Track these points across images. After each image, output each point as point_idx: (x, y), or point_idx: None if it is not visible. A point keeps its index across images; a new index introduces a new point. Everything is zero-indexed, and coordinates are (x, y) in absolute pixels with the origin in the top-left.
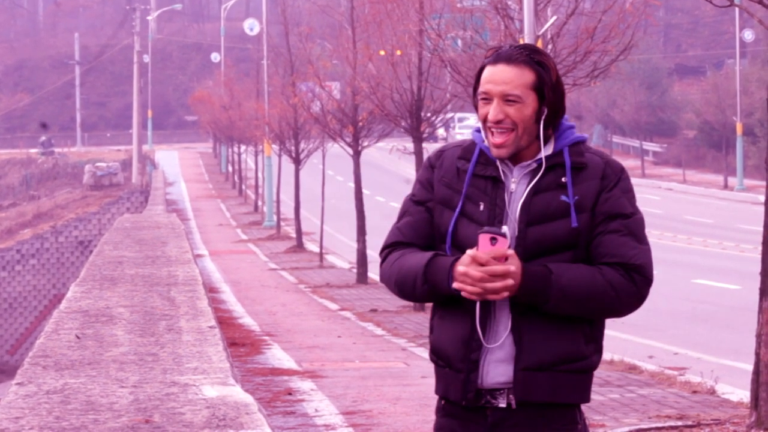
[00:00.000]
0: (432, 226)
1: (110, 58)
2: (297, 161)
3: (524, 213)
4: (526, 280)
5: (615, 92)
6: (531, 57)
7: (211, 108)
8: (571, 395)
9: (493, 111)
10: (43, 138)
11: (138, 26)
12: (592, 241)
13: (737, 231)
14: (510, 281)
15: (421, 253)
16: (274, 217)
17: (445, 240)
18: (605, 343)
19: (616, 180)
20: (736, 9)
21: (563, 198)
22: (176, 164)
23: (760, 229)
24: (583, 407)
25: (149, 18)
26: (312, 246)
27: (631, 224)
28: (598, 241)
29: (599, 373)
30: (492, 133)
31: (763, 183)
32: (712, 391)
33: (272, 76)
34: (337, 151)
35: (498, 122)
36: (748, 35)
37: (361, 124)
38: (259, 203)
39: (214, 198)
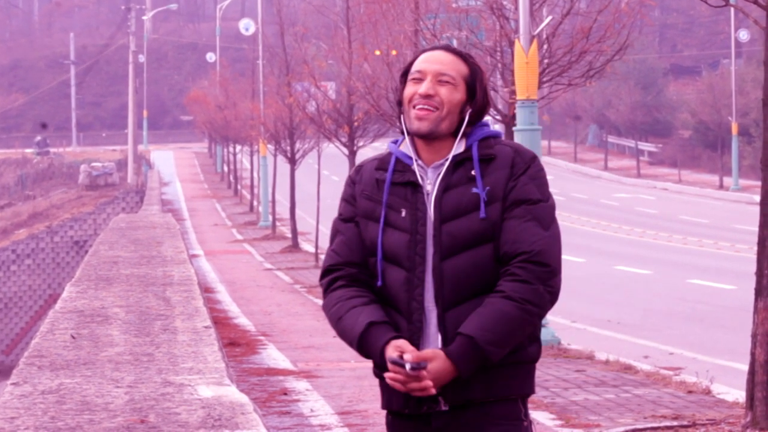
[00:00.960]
0: (362, 241)
1: (106, 58)
2: (292, 161)
3: (437, 211)
4: (458, 362)
5: (610, 92)
6: (468, 57)
7: (207, 108)
8: (510, 388)
9: (424, 86)
10: (39, 138)
11: (133, 26)
12: (500, 228)
13: (733, 231)
14: (431, 385)
15: (355, 315)
16: (270, 217)
17: (375, 253)
18: (602, 343)
19: (524, 167)
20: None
21: (474, 190)
22: (172, 164)
23: (756, 229)
24: (579, 406)
25: (145, 18)
26: (307, 246)
27: (536, 210)
28: (503, 228)
29: (595, 373)
30: (416, 109)
31: (759, 183)
32: (707, 391)
33: (267, 76)
34: (333, 151)
35: (427, 97)
36: (744, 35)
37: (356, 124)
38: (255, 203)
39: (210, 198)
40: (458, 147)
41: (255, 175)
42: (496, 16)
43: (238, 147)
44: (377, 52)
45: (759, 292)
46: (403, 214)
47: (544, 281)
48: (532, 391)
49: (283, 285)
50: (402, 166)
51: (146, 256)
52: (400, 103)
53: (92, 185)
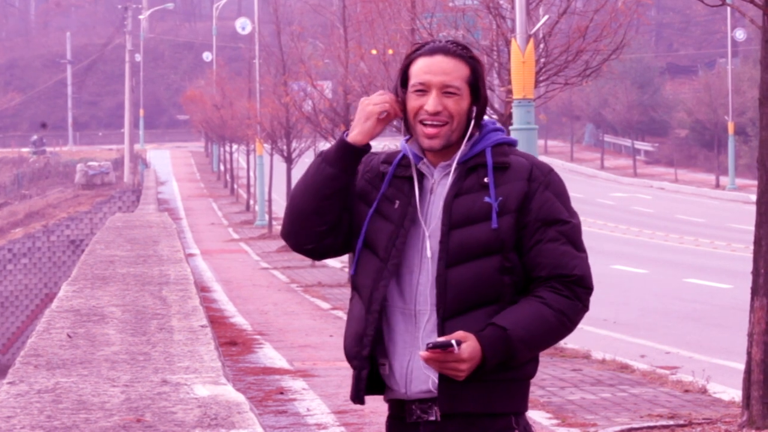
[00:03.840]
0: (350, 220)
1: (102, 57)
2: (289, 160)
3: (446, 216)
4: (487, 350)
5: (607, 91)
6: (465, 52)
7: (203, 107)
8: (503, 405)
9: (432, 102)
10: (35, 137)
11: (130, 25)
12: (529, 250)
13: (729, 230)
14: (467, 367)
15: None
16: (266, 216)
17: (358, 235)
18: (598, 343)
19: (546, 182)
20: (728, 8)
21: (486, 199)
22: (168, 163)
23: (752, 228)
24: (576, 406)
25: (141, 17)
26: None
27: (569, 231)
28: (536, 251)
29: (591, 372)
30: (425, 126)
31: (755, 182)
32: (703, 390)
33: (264, 75)
34: None
35: (436, 114)
36: (740, 34)
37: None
38: (251, 202)
39: (206, 197)
40: (465, 147)
41: (251, 174)
42: (492, 15)
43: (235, 146)
44: (374, 52)
45: (755, 291)
46: (396, 205)
47: (583, 300)
48: (525, 408)
49: (280, 284)
50: (407, 161)
51: (142, 256)
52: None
53: (89, 184)
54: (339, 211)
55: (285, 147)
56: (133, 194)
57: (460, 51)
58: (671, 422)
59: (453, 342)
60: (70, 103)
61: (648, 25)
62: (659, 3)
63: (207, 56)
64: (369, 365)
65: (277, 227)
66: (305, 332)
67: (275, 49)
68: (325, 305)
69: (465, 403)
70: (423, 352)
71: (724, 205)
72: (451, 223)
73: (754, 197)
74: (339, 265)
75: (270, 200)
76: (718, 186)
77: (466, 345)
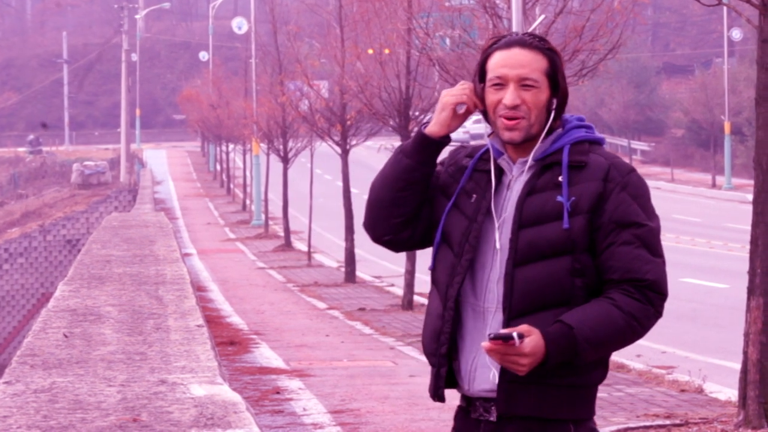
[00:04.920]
0: (430, 213)
1: (98, 57)
2: (285, 160)
3: (517, 214)
4: (551, 346)
5: (603, 91)
6: (542, 44)
7: (200, 107)
8: (560, 411)
9: (510, 96)
10: (32, 137)
11: (126, 25)
12: (602, 252)
13: (725, 230)
14: (528, 362)
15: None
16: (262, 216)
17: (437, 229)
18: None
19: (623, 183)
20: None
21: (559, 198)
22: (164, 163)
23: (748, 228)
24: None
25: (137, 17)
26: (300, 245)
27: (645, 235)
28: (609, 253)
29: None
30: (504, 119)
31: (751, 182)
32: (700, 390)
33: (260, 74)
34: (326, 150)
35: (514, 107)
36: (737, 34)
37: (349, 122)
38: (248, 202)
39: (202, 197)
40: (543, 144)
41: (248, 174)
42: (489, 14)
43: (231, 146)
44: (370, 51)
45: (752, 290)
46: (473, 199)
47: (655, 306)
48: (588, 416)
49: (276, 284)
50: (488, 156)
51: (139, 255)
52: (482, 101)
53: (85, 184)
54: (416, 204)
55: (281, 147)
56: (130, 194)
57: (537, 43)
58: (668, 422)
59: (514, 335)
60: (66, 103)
61: (644, 24)
62: (656, 2)
63: (203, 56)
64: (447, 363)
65: (274, 227)
66: (302, 332)
67: (272, 48)
68: (321, 305)
69: (522, 406)
70: (485, 343)
71: (720, 204)
72: (521, 221)
73: (750, 197)
74: (335, 264)
75: (266, 200)
76: (714, 185)
77: (529, 339)
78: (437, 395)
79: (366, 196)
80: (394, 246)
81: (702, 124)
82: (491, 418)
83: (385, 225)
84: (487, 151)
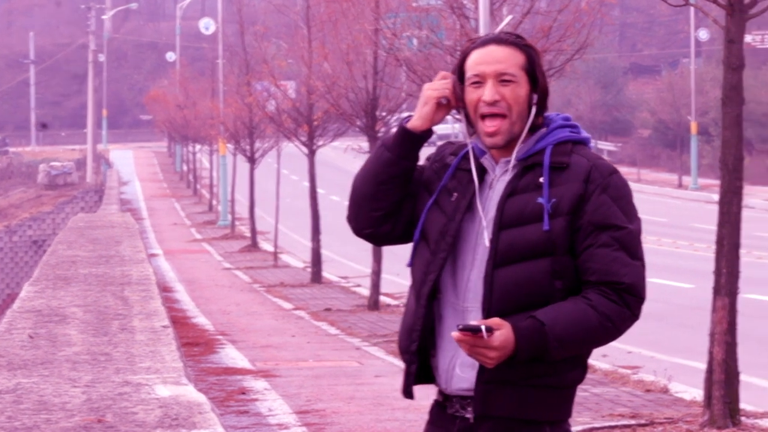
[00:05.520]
0: (412, 208)
1: (65, 57)
2: (252, 160)
3: (498, 215)
4: (520, 341)
5: (570, 91)
6: (519, 40)
7: (166, 107)
8: (537, 412)
9: (488, 91)
10: None
11: (93, 25)
12: (581, 253)
13: (691, 230)
14: (496, 355)
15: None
16: (229, 217)
17: (416, 224)
18: None
19: (604, 185)
20: (691, 8)
21: (539, 200)
22: (131, 163)
23: (714, 228)
24: None
25: (104, 17)
26: (266, 245)
27: (624, 237)
28: (588, 255)
29: None
30: (484, 121)
31: (717, 182)
32: (665, 390)
33: (227, 75)
34: (292, 151)
35: (493, 103)
36: (703, 35)
37: (316, 123)
38: (214, 202)
39: (169, 197)
40: (526, 144)
41: (214, 174)
42: (456, 15)
43: (198, 146)
44: (338, 50)
45: (717, 290)
46: (453, 198)
47: (632, 308)
48: (564, 418)
49: (242, 284)
50: (473, 154)
51: (105, 256)
52: (461, 101)
53: (51, 184)
54: (397, 198)
55: (248, 147)
56: (96, 194)
57: (513, 39)
58: (633, 422)
59: (482, 328)
60: (33, 103)
61: (611, 25)
62: (623, 3)
63: (170, 56)
64: (418, 360)
65: (240, 227)
66: (267, 332)
67: (239, 49)
68: (287, 305)
69: (498, 406)
70: (454, 333)
71: (686, 204)
72: (502, 222)
73: (716, 197)
74: (301, 265)
75: (233, 200)
76: (680, 186)
77: (499, 333)
78: (407, 392)
79: (334, 198)
80: (375, 239)
81: (669, 124)
82: (467, 415)
83: (365, 218)
84: (471, 149)
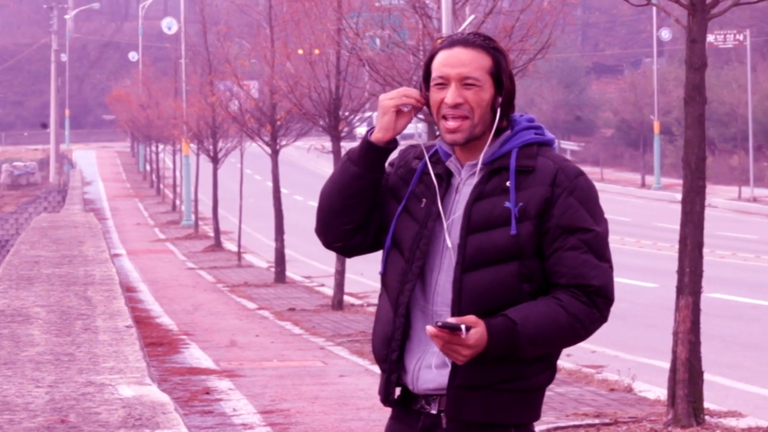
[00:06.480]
0: (380, 216)
1: (27, 57)
2: (215, 160)
3: (465, 220)
4: (492, 339)
5: (533, 91)
6: (487, 43)
7: (129, 107)
8: (507, 415)
9: (451, 94)
10: None
11: (56, 25)
12: (549, 257)
13: (654, 229)
14: (469, 353)
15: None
16: (192, 216)
17: (387, 232)
18: None
19: (570, 188)
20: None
21: (506, 204)
22: (94, 163)
23: (677, 227)
24: None
25: (67, 17)
26: (230, 245)
27: (592, 240)
28: (556, 258)
29: None
30: (446, 119)
31: (680, 181)
32: (629, 389)
33: (190, 75)
34: (256, 150)
35: (456, 106)
36: (666, 34)
37: (279, 123)
38: (177, 202)
39: (132, 197)
40: (492, 147)
41: (177, 174)
42: (418, 15)
43: (161, 146)
44: (300, 51)
45: (680, 290)
46: (423, 204)
47: (601, 310)
48: (531, 420)
49: (206, 284)
50: (437, 158)
51: (68, 256)
52: (428, 104)
53: (14, 184)
54: (366, 210)
55: (211, 147)
56: (59, 194)
57: (480, 41)
58: (597, 421)
59: (462, 327)
60: None
61: (574, 24)
62: (585, 3)
63: (133, 56)
64: (398, 369)
65: (204, 227)
66: (231, 332)
67: (201, 48)
68: (251, 305)
69: (470, 411)
70: (430, 327)
71: (649, 204)
72: (469, 227)
73: (679, 196)
74: (265, 265)
75: (196, 200)
76: (643, 185)
77: (474, 331)
78: (389, 401)
79: (297, 197)
80: (346, 252)
81: (631, 123)
82: (432, 411)
83: (336, 232)
84: (436, 152)
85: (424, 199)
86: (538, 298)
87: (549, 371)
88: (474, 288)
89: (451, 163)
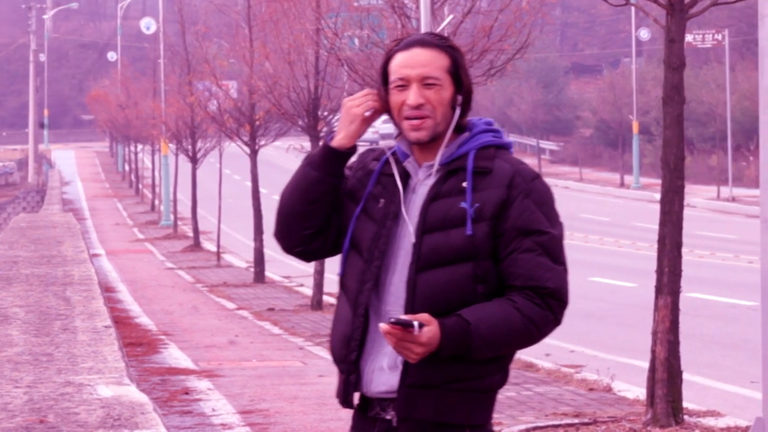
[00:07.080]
0: (339, 220)
1: (5, 57)
2: (194, 160)
3: (421, 220)
4: (445, 339)
5: (512, 91)
6: (443, 42)
7: (108, 107)
8: (458, 416)
9: (413, 95)
10: None
11: (34, 25)
12: (504, 258)
13: (633, 229)
14: (422, 351)
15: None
16: (171, 217)
17: (345, 234)
18: None
19: (527, 190)
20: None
21: (462, 205)
22: (73, 163)
23: (656, 227)
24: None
25: (45, 17)
26: (209, 245)
27: (547, 242)
28: (511, 260)
29: None
30: (409, 119)
31: (659, 181)
32: (608, 389)
33: (169, 75)
34: (234, 150)
35: (418, 107)
36: (644, 34)
37: (258, 123)
38: (156, 202)
39: (111, 197)
40: (449, 149)
41: (156, 174)
42: (397, 14)
43: (140, 146)
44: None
45: (659, 289)
46: (381, 204)
47: (555, 313)
48: (484, 422)
49: (185, 284)
50: (395, 159)
51: (46, 256)
52: (388, 107)
53: None
54: (326, 215)
55: (190, 147)
56: (38, 194)
57: (437, 41)
58: (576, 420)
59: (415, 323)
60: None
61: (552, 24)
62: (564, 2)
63: (112, 56)
64: (357, 369)
65: (183, 227)
66: (210, 332)
67: (180, 48)
68: (230, 305)
69: (420, 410)
70: (383, 325)
71: (628, 203)
72: (425, 227)
73: (658, 196)
74: (244, 265)
75: (175, 200)
76: (622, 185)
77: (428, 329)
78: (347, 402)
79: (276, 197)
80: (305, 256)
81: (610, 123)
82: (387, 417)
83: (296, 237)
84: (394, 153)
85: (382, 200)
86: (492, 299)
87: (501, 373)
88: (428, 288)
89: (409, 164)
